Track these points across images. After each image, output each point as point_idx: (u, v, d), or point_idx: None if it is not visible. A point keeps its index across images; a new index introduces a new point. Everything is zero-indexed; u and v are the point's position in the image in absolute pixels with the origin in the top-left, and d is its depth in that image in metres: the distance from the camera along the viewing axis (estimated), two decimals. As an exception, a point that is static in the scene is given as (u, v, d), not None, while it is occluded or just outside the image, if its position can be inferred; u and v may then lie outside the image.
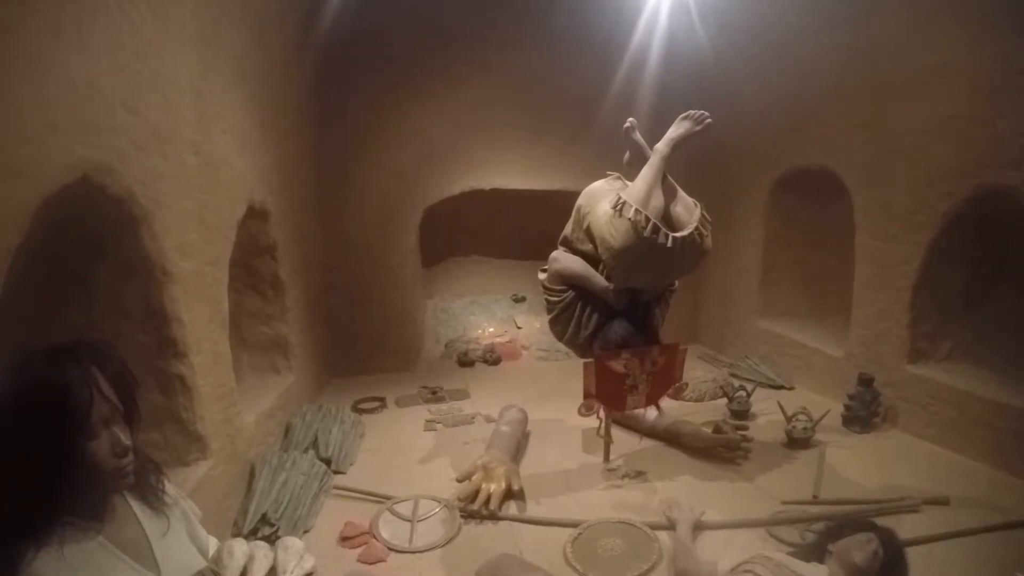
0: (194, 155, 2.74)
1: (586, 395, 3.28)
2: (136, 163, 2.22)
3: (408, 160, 5.40)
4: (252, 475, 3.15)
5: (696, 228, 3.01)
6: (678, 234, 2.96)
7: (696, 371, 4.94)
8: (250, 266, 3.90)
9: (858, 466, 3.48)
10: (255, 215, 3.64)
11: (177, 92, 2.59)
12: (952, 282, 3.79)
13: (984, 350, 3.75)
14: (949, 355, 3.88)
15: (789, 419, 3.81)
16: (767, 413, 4.22)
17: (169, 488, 1.42)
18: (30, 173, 1.64)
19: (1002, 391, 3.40)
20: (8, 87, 1.56)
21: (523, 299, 6.68)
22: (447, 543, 2.87)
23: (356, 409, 4.59)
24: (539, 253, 3.63)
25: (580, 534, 2.89)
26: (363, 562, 2.69)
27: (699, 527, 2.86)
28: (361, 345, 5.51)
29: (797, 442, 3.75)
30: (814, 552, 2.17)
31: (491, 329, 6.39)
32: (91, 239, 2.26)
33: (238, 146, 3.31)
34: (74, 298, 2.32)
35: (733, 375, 5.03)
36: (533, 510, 3.15)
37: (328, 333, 5.28)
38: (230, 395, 3.02)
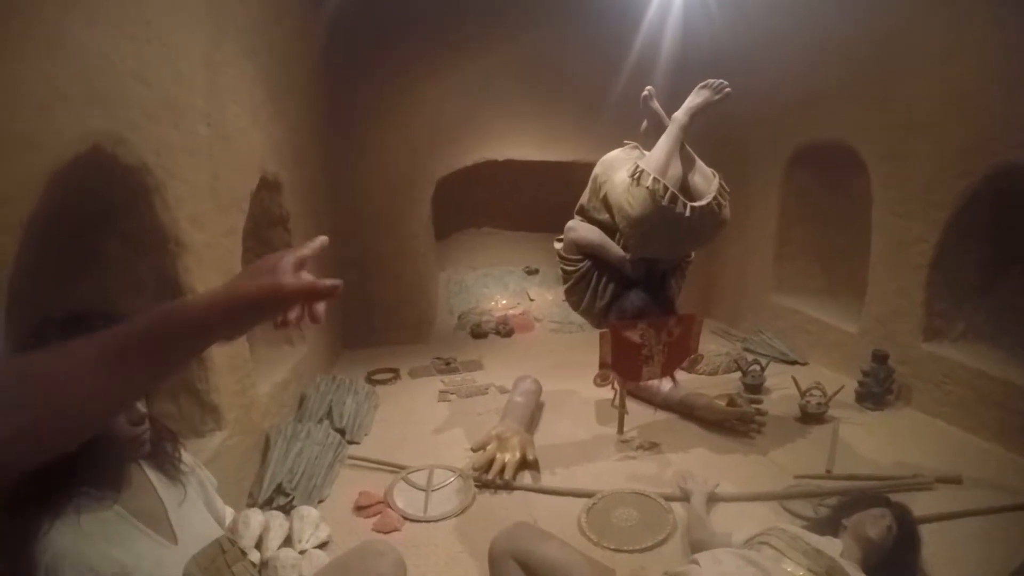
0: (206, 126, 2.72)
1: (601, 365, 3.27)
2: (148, 133, 2.20)
3: (421, 131, 5.36)
4: (267, 445, 3.17)
5: (714, 198, 2.97)
6: (696, 203, 2.92)
7: (710, 345, 4.93)
8: (263, 238, 3.89)
9: (871, 442, 3.47)
10: (268, 186, 3.63)
11: (189, 63, 2.56)
12: (968, 261, 3.73)
13: (1000, 330, 3.69)
14: (964, 334, 3.82)
15: (803, 394, 3.80)
16: (781, 388, 4.20)
17: (186, 457, 1.43)
18: (41, 144, 1.62)
19: (1017, 372, 3.35)
20: (18, 58, 1.54)
21: (536, 271, 6.66)
22: (462, 512, 2.88)
23: (370, 380, 4.61)
24: (553, 225, 3.61)
25: (594, 504, 2.90)
26: (378, 531, 2.72)
27: (713, 499, 2.87)
28: (374, 317, 5.52)
29: (811, 417, 3.73)
30: (828, 526, 2.17)
31: (504, 301, 6.39)
32: (104, 211, 2.25)
33: (250, 118, 3.29)
34: (88, 271, 2.31)
35: (747, 350, 5.01)
36: (547, 480, 3.17)
37: (341, 305, 5.28)
38: (244, 366, 3.03)
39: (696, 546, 2.38)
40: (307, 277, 0.82)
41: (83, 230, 2.25)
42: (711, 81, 3.07)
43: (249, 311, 0.79)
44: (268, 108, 3.59)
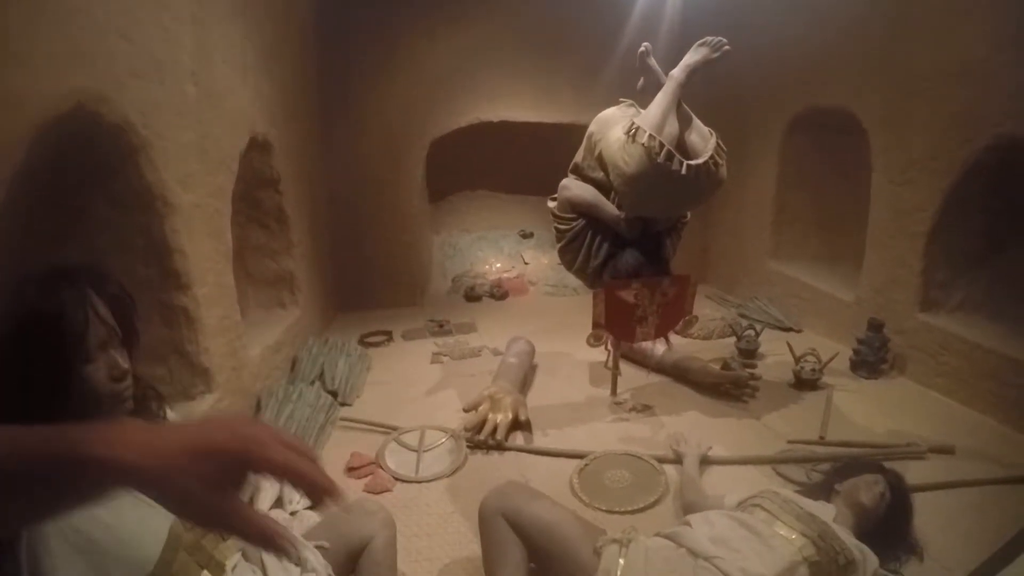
0: (194, 85, 2.66)
1: (595, 325, 3.25)
2: (133, 92, 2.15)
3: (414, 91, 5.27)
4: (258, 408, 3.17)
5: (711, 156, 2.92)
6: (693, 162, 2.88)
7: (704, 310, 4.92)
8: (254, 199, 3.85)
9: (865, 411, 3.47)
10: (258, 147, 3.58)
11: (175, 20, 2.50)
12: (968, 231, 3.68)
13: (997, 303, 3.66)
14: (961, 305, 3.79)
15: (797, 360, 3.79)
16: (775, 354, 4.20)
17: (171, 415, 1.41)
18: (22, 102, 1.59)
19: (1012, 345, 3.32)
20: (-1, 15, 1.50)
21: (531, 235, 6.63)
22: (453, 473, 2.89)
23: (363, 343, 4.60)
24: (548, 188, 3.56)
25: (587, 465, 2.91)
26: (369, 492, 2.72)
27: (705, 462, 2.87)
28: (367, 280, 5.50)
29: (805, 383, 3.73)
30: (821, 491, 2.17)
31: (498, 264, 6.37)
32: (90, 171, 2.21)
33: (239, 77, 3.22)
34: (74, 232, 2.28)
35: (742, 315, 5.00)
36: (540, 441, 3.18)
37: (334, 268, 5.26)
38: (235, 328, 3.01)
39: (688, 508, 2.39)
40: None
41: (69, 191, 2.21)
42: (709, 39, 3.01)
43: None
44: (258, 68, 3.51)
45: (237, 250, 3.20)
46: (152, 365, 2.52)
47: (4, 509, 0.55)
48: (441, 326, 4.94)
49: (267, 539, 0.59)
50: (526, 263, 6.43)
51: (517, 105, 5.53)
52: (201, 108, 2.72)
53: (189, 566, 1.23)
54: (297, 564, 1.52)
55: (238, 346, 3.04)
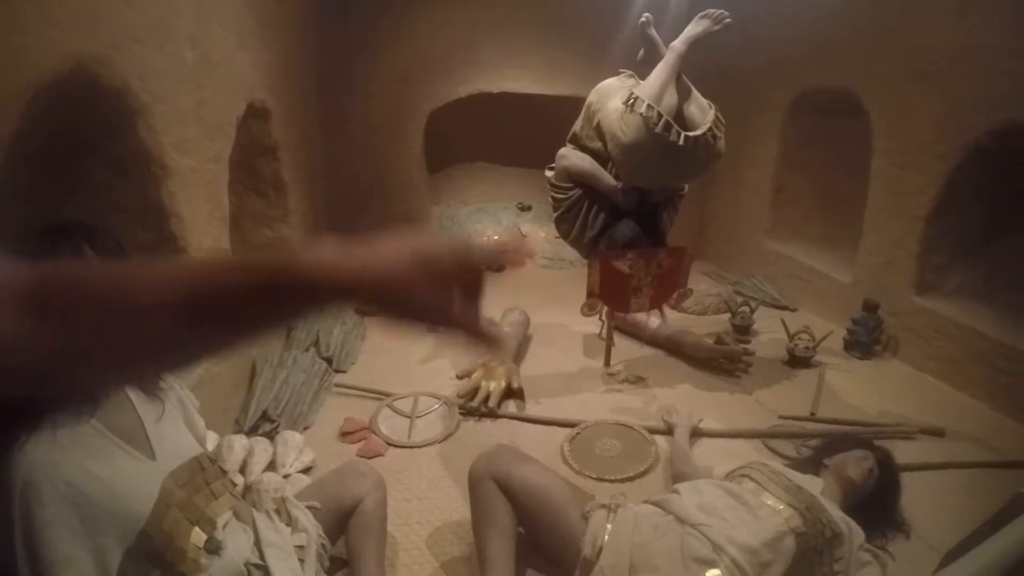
0: (192, 50, 2.64)
1: (589, 294, 3.27)
2: (132, 55, 2.14)
3: (413, 61, 5.23)
4: (253, 373, 3.18)
5: (709, 129, 2.91)
6: (691, 133, 2.87)
7: (700, 286, 4.92)
8: (251, 167, 3.84)
9: (856, 390, 3.49)
10: (256, 114, 3.56)
11: (173, -15, 2.49)
12: (967, 217, 3.67)
13: (993, 289, 3.66)
14: (957, 290, 3.79)
15: (791, 337, 3.80)
16: (769, 331, 4.21)
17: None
18: (20, 62, 1.58)
19: (1007, 332, 3.33)
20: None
21: (529, 208, 6.60)
22: (445, 439, 2.92)
23: (358, 311, 4.59)
24: (547, 161, 3.55)
25: (578, 434, 2.94)
26: (362, 456, 2.74)
27: (696, 434, 2.90)
28: (365, 250, 5.48)
29: (798, 360, 3.75)
30: (809, 465, 2.20)
31: (496, 237, 6.35)
32: (87, 135, 2.20)
33: (237, 43, 3.19)
34: (72, 195, 2.28)
35: (737, 292, 4.99)
36: (532, 409, 3.20)
37: (331, 237, 5.23)
38: (231, 294, 3.01)
39: (677, 478, 2.42)
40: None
41: (67, 154, 2.21)
42: (711, 11, 2.99)
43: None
44: (256, 35, 3.48)
45: (234, 218, 3.19)
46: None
47: (230, 330, 0.59)
48: (437, 296, 4.94)
49: (480, 335, 0.66)
50: (524, 236, 6.41)
51: (518, 77, 5.48)
52: (199, 73, 2.71)
53: (180, 522, 1.25)
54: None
55: (234, 312, 3.04)
